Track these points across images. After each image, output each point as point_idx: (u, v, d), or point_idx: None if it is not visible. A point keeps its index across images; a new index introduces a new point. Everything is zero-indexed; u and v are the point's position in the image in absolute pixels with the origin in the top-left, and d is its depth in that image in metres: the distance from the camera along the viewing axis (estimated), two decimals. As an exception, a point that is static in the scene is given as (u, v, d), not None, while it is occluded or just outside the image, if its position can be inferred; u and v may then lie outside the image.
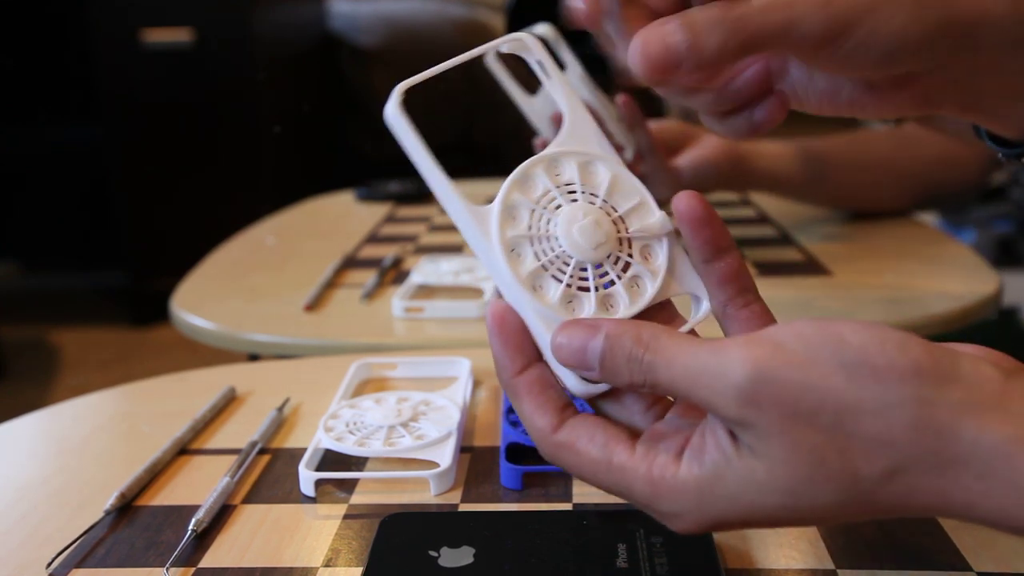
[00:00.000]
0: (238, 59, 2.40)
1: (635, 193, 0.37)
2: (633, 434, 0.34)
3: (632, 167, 0.85)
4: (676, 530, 0.33)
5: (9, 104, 2.74)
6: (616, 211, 0.37)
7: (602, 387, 0.35)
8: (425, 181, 0.36)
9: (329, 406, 0.55)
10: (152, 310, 2.34)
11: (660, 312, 0.37)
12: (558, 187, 0.37)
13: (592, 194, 0.37)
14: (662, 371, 0.32)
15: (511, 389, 0.35)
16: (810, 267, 0.87)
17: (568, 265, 0.36)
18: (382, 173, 1.33)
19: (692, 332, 0.37)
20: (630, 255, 0.36)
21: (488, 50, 0.37)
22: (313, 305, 0.81)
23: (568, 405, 0.35)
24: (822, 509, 0.30)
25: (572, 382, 0.35)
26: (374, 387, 0.62)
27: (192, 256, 1.03)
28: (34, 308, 2.89)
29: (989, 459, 0.28)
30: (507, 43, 0.38)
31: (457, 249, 0.99)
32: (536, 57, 0.38)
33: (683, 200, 0.36)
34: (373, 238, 1.07)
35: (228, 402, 0.60)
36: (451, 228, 1.09)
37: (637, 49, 0.37)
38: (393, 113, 0.36)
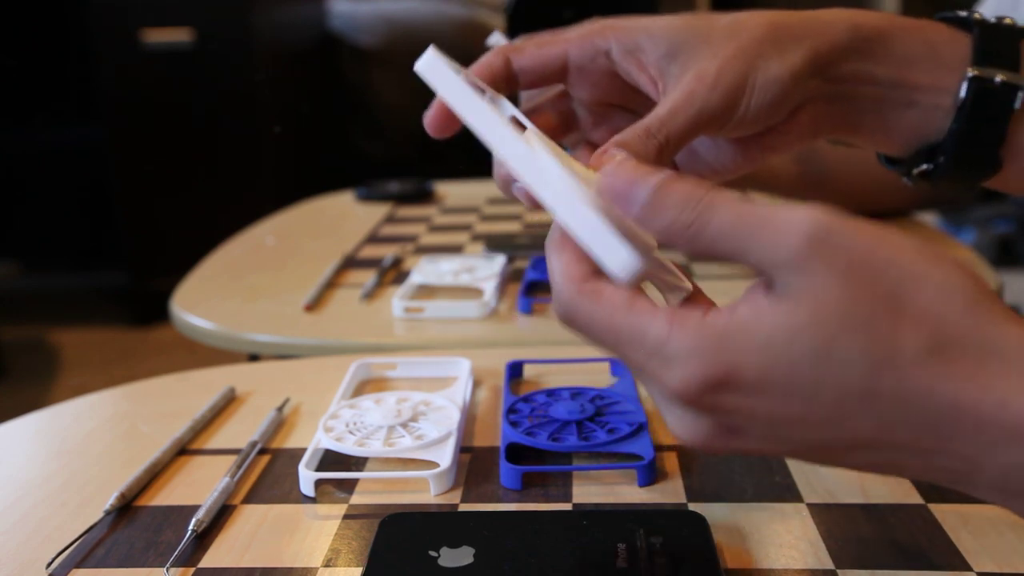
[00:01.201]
0: (238, 59, 2.40)
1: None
2: None
3: None
4: (674, 383, 0.30)
5: (9, 104, 2.74)
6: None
7: (645, 263, 0.32)
8: (467, 120, 0.37)
9: (329, 406, 0.55)
10: (152, 310, 2.34)
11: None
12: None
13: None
14: (721, 211, 0.31)
15: (555, 243, 0.35)
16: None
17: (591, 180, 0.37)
18: (382, 173, 1.33)
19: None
20: None
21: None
22: (313, 305, 0.81)
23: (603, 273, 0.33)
24: (851, 371, 0.29)
25: (621, 254, 0.32)
26: (374, 387, 0.62)
27: (192, 256, 1.03)
28: (34, 308, 2.89)
29: None
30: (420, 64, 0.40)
31: (457, 249, 0.99)
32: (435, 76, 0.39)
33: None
34: (373, 238, 1.07)
35: (228, 402, 0.60)
36: (451, 228, 1.10)
37: (604, 179, 0.37)
38: (431, 63, 0.38)
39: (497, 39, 0.84)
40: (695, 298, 0.36)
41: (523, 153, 0.35)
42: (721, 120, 0.43)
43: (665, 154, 0.42)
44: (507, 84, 0.45)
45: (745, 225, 0.31)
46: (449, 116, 0.42)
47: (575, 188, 0.34)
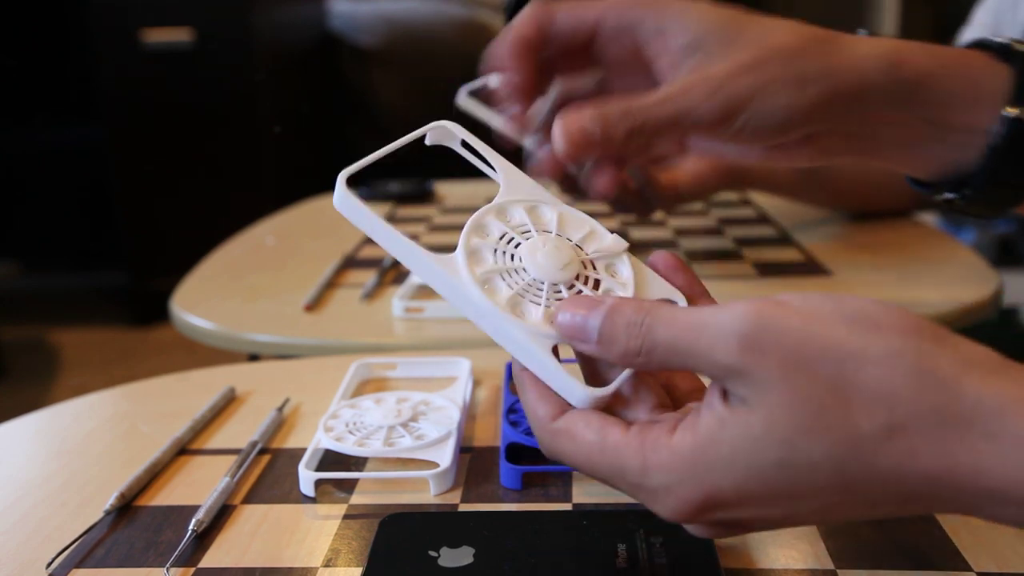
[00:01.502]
0: (238, 59, 2.40)
1: (584, 224, 0.39)
2: (631, 423, 0.34)
3: (627, 187, 0.85)
4: (667, 513, 0.32)
5: (9, 104, 2.74)
6: (571, 240, 0.39)
7: (607, 392, 0.35)
8: (386, 249, 0.37)
9: (329, 406, 0.55)
10: (152, 310, 2.34)
11: None
12: (513, 229, 0.39)
13: (545, 231, 0.39)
14: (661, 330, 0.32)
15: (519, 380, 0.36)
16: (810, 267, 0.87)
17: (542, 289, 0.37)
18: (382, 173, 1.33)
19: None
20: (598, 273, 0.38)
21: (415, 137, 0.40)
22: (313, 305, 0.81)
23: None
24: (820, 470, 0.29)
25: (577, 394, 0.35)
26: (374, 387, 0.62)
27: (192, 256, 1.03)
28: (34, 308, 2.89)
29: (996, 418, 0.27)
30: (431, 131, 0.41)
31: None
32: (459, 137, 0.40)
33: (658, 256, 0.39)
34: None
35: (228, 402, 0.60)
36: (451, 228, 1.09)
37: (559, 132, 0.43)
38: (342, 198, 0.38)
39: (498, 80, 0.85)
40: (681, 381, 0.37)
41: (457, 291, 0.36)
42: (711, 128, 0.43)
43: (633, 139, 0.43)
44: (539, 47, 0.46)
45: (683, 341, 0.31)
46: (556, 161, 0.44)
47: (516, 326, 0.35)
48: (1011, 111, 0.43)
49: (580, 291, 0.37)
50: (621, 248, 0.39)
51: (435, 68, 2.76)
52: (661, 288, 0.38)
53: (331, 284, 0.87)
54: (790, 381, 0.29)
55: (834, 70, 0.42)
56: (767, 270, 0.86)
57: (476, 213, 0.38)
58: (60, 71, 2.75)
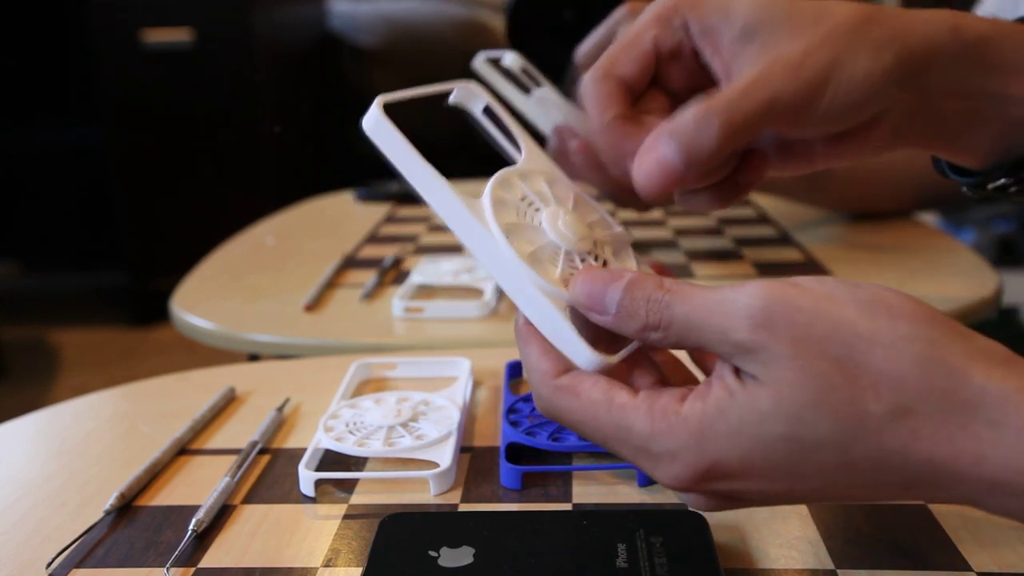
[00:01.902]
0: (238, 59, 2.40)
1: (595, 210, 0.40)
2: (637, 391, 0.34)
3: (626, 182, 0.85)
4: (667, 480, 0.32)
5: (9, 104, 2.74)
6: (584, 221, 0.39)
7: (616, 359, 0.35)
8: (412, 184, 0.36)
9: (329, 406, 0.55)
10: (152, 310, 2.34)
11: None
12: (535, 192, 0.39)
13: (561, 205, 0.39)
14: (678, 306, 0.32)
15: (522, 335, 0.36)
16: (810, 267, 0.87)
17: (558, 254, 0.37)
18: (382, 173, 1.33)
19: None
20: (606, 255, 0.39)
21: (443, 90, 0.39)
22: (313, 305, 0.81)
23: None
24: (825, 449, 0.29)
25: (586, 356, 0.35)
26: (374, 387, 0.62)
27: (192, 256, 1.03)
28: (34, 308, 2.89)
29: (1000, 407, 0.28)
30: (458, 89, 0.40)
31: (457, 249, 0.99)
32: (484, 103, 0.40)
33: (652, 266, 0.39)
34: (373, 238, 1.07)
35: (228, 402, 0.60)
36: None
37: (639, 178, 0.39)
38: (375, 122, 0.36)
39: (513, 59, 0.85)
40: (672, 373, 0.37)
41: (479, 235, 0.36)
42: (797, 113, 0.39)
43: (728, 141, 0.38)
44: (628, 102, 0.43)
45: (699, 316, 0.32)
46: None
47: (533, 279, 0.35)
48: None
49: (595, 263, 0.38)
50: (627, 239, 0.39)
51: (435, 68, 2.76)
52: None
53: (331, 284, 0.87)
54: (800, 359, 0.29)
55: (902, 33, 0.40)
56: (767, 270, 0.86)
57: (501, 171, 0.38)
58: (60, 71, 2.75)
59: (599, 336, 0.36)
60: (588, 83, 0.42)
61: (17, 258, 3.12)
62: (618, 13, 0.74)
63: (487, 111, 0.40)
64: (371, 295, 0.83)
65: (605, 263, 0.38)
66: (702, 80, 0.44)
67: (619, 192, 0.88)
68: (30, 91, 2.80)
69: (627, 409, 0.32)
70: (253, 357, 0.88)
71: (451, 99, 0.39)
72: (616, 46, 0.43)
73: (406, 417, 0.52)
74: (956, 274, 0.86)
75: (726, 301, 0.31)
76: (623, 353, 0.35)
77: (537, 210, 0.38)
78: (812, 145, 0.44)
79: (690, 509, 0.36)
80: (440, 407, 0.54)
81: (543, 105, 0.88)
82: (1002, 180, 0.46)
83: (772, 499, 0.33)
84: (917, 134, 0.44)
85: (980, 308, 0.76)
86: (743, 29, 0.40)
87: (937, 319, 0.30)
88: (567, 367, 0.35)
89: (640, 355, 0.36)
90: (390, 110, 0.37)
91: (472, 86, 0.40)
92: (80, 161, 2.80)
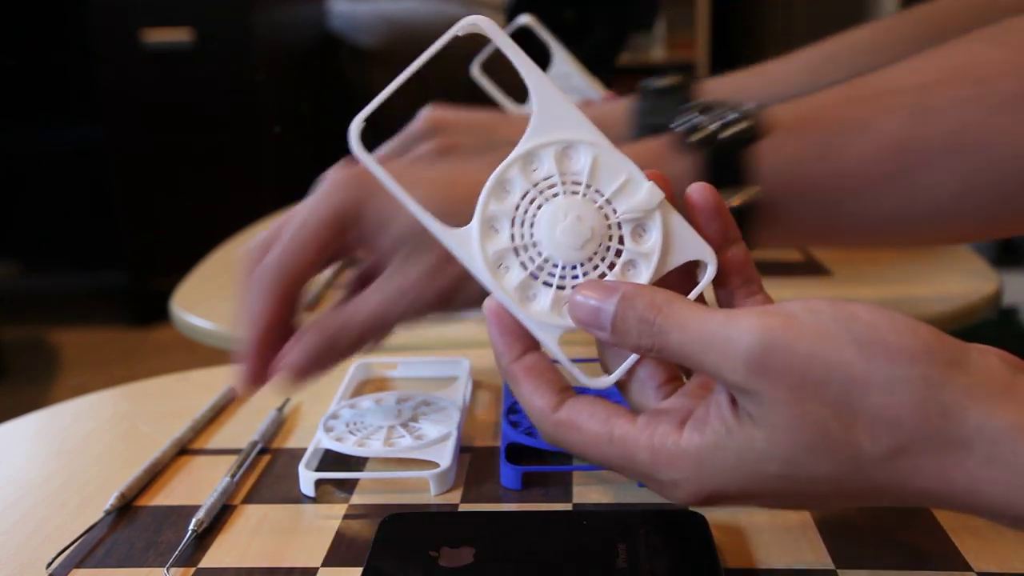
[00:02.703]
0: (238, 59, 2.40)
1: (620, 170, 0.36)
2: (636, 413, 0.34)
3: None
4: (676, 501, 0.33)
5: (9, 104, 2.74)
6: (602, 195, 0.36)
7: (612, 379, 0.36)
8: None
9: (329, 406, 0.55)
10: (152, 310, 2.34)
11: (678, 277, 0.37)
12: (536, 185, 0.36)
13: (575, 183, 0.36)
14: (673, 335, 0.32)
15: (509, 375, 0.36)
16: (810, 267, 0.87)
17: (557, 269, 0.36)
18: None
19: (700, 298, 0.37)
20: (621, 240, 0.36)
21: (447, 39, 0.35)
22: (313, 305, 0.81)
23: (567, 387, 0.35)
24: (821, 483, 0.30)
25: (581, 380, 0.35)
26: (374, 387, 0.62)
27: (192, 256, 1.02)
28: (34, 308, 2.89)
29: (995, 443, 0.28)
30: (462, 28, 0.36)
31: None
32: (493, 36, 0.36)
33: (696, 191, 0.37)
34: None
35: (228, 402, 0.60)
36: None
37: (281, 366, 0.46)
38: (355, 146, 0.36)
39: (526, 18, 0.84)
40: (671, 377, 0.37)
41: (470, 264, 0.36)
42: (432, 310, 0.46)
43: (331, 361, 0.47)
44: (289, 309, 0.49)
45: (693, 351, 0.32)
46: None
47: (522, 317, 0.35)
48: None
49: (597, 267, 0.36)
50: (655, 203, 0.36)
51: (435, 68, 2.76)
52: (691, 246, 0.36)
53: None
54: (796, 404, 0.29)
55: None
56: (767, 270, 0.85)
57: (501, 165, 0.36)
58: (60, 71, 2.75)
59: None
60: (254, 288, 0.46)
61: (17, 258, 3.12)
62: (413, 127, 0.74)
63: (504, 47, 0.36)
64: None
65: (619, 252, 0.36)
66: None
67: None
68: (30, 91, 2.80)
69: (628, 442, 0.33)
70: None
71: (461, 32, 0.36)
72: (285, 257, 0.46)
73: (406, 417, 0.52)
74: (956, 274, 0.86)
75: (721, 339, 0.31)
76: (617, 374, 0.36)
77: (540, 207, 0.36)
78: None
79: (690, 509, 0.37)
80: (440, 407, 0.54)
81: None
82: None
83: (776, 507, 0.35)
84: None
85: (980, 308, 0.76)
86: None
87: (935, 353, 0.29)
88: (562, 397, 0.35)
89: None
90: (411, 85, 0.37)
91: (479, 22, 0.35)
92: (80, 161, 2.79)
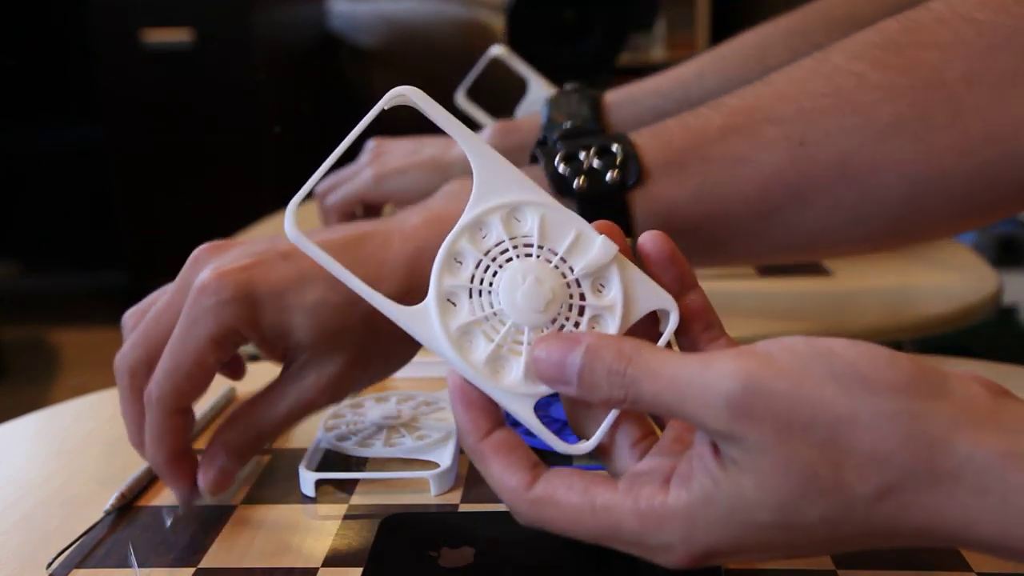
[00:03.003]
0: (238, 59, 2.40)
1: (570, 226, 0.36)
2: (614, 479, 0.33)
3: None
4: (669, 566, 0.32)
5: (9, 104, 2.73)
6: (556, 253, 0.36)
7: (592, 442, 0.35)
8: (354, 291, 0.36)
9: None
10: (152, 310, 2.33)
11: (642, 328, 0.36)
12: (487, 253, 0.35)
13: (527, 245, 0.36)
14: (646, 384, 0.31)
15: (477, 454, 0.35)
16: (810, 267, 0.87)
17: (523, 335, 0.35)
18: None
19: (668, 346, 0.36)
20: (583, 296, 0.36)
21: (375, 112, 0.36)
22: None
23: (538, 463, 0.34)
24: (814, 528, 0.30)
25: (558, 448, 0.35)
26: (374, 387, 0.62)
27: (192, 256, 1.02)
28: (34, 308, 2.89)
29: (984, 473, 0.28)
30: (390, 100, 0.36)
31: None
32: (422, 106, 0.36)
33: (649, 240, 0.36)
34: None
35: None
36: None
37: (204, 486, 0.44)
38: (293, 233, 0.36)
39: (499, 50, 0.86)
40: (644, 434, 0.36)
41: (431, 343, 0.35)
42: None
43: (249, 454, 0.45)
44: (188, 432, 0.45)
45: (669, 399, 0.31)
46: None
47: (493, 391, 0.35)
48: None
49: (563, 327, 0.35)
50: (610, 257, 0.35)
51: (435, 68, 2.76)
52: (652, 296, 0.36)
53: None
54: (782, 448, 0.29)
55: None
56: (767, 270, 0.86)
57: (448, 237, 0.35)
58: (60, 71, 2.75)
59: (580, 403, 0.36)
60: (149, 419, 0.43)
61: (17, 258, 3.12)
62: (363, 169, 0.80)
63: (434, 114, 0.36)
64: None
65: (582, 309, 0.35)
66: None
67: None
68: (30, 91, 2.79)
69: (611, 510, 0.32)
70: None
71: (387, 105, 0.36)
72: (169, 386, 0.42)
73: (407, 417, 0.52)
74: (956, 274, 0.86)
75: (697, 385, 0.30)
76: (596, 437, 0.35)
77: (495, 273, 0.35)
78: None
79: None
80: (441, 407, 0.54)
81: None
82: None
83: (772, 559, 0.34)
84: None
85: (980, 308, 0.76)
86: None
87: (916, 383, 0.29)
88: (535, 473, 0.33)
89: (621, 414, 0.35)
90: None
91: (405, 91, 0.36)
92: (80, 161, 2.79)
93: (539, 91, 0.88)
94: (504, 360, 0.35)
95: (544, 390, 0.35)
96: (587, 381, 0.32)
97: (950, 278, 0.84)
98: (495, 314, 0.35)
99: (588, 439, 0.36)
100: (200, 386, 0.43)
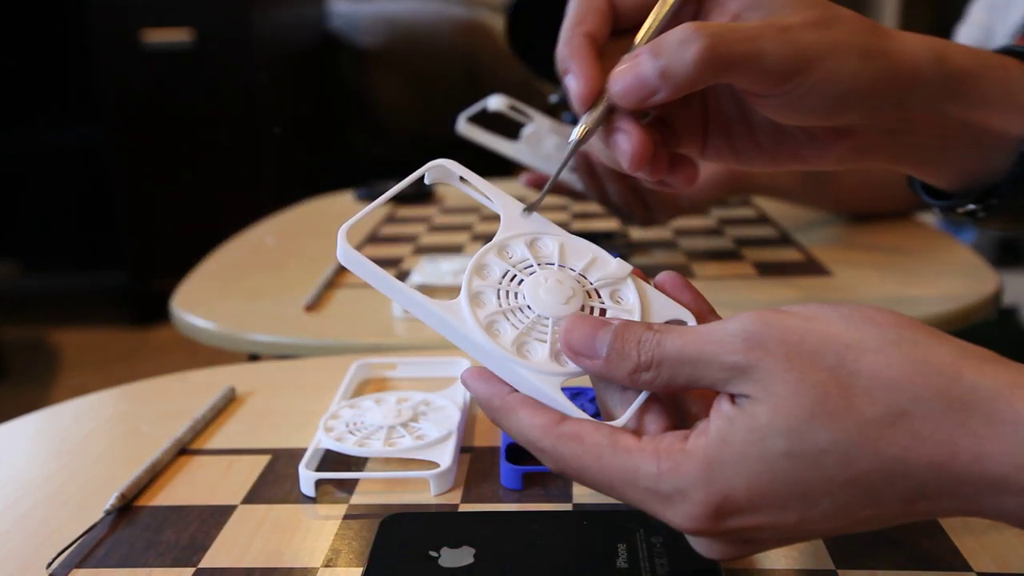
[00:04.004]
0: (238, 59, 2.40)
1: (586, 252, 0.39)
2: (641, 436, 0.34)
3: (633, 195, 0.86)
4: (680, 520, 0.32)
5: (9, 104, 2.74)
6: (575, 270, 0.38)
7: (624, 419, 0.35)
8: (391, 298, 0.38)
9: (329, 406, 0.55)
10: (152, 310, 2.34)
11: None
12: (514, 266, 0.38)
13: (548, 263, 0.39)
14: (670, 342, 0.33)
15: (502, 410, 0.35)
16: (810, 267, 0.87)
17: (547, 326, 0.37)
18: (382, 173, 1.33)
19: None
20: (603, 303, 0.38)
21: (414, 179, 0.40)
22: (313, 305, 0.81)
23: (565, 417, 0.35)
24: (828, 458, 0.29)
25: (586, 417, 0.35)
26: (374, 387, 0.62)
27: (192, 256, 1.03)
28: (34, 308, 2.89)
29: (994, 402, 0.28)
30: (429, 171, 0.40)
31: (457, 249, 0.99)
32: (458, 174, 0.40)
33: (664, 275, 0.39)
34: (374, 238, 1.07)
35: (228, 402, 0.60)
36: (451, 228, 1.10)
37: (615, 86, 0.40)
38: (345, 254, 0.38)
39: (497, 102, 0.87)
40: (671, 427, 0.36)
41: (463, 337, 0.36)
42: (776, 80, 0.39)
43: (705, 69, 0.38)
44: (608, 22, 0.43)
45: (691, 348, 0.32)
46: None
47: (524, 369, 0.35)
48: None
49: None
50: (625, 273, 0.38)
51: (435, 68, 2.77)
52: (668, 308, 0.38)
53: (331, 284, 0.87)
54: (793, 372, 0.30)
55: (893, 52, 0.41)
56: (767, 270, 0.86)
57: (477, 254, 0.38)
58: (60, 71, 2.75)
59: (606, 396, 0.36)
60: (561, 49, 0.42)
61: (17, 258, 3.12)
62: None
63: (464, 180, 0.40)
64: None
65: (603, 312, 0.37)
66: None
67: (622, 207, 0.88)
68: (30, 91, 2.80)
69: (632, 452, 0.32)
70: (253, 357, 0.88)
71: (426, 180, 0.40)
72: (578, 8, 0.42)
73: (406, 417, 0.53)
74: (956, 274, 0.86)
75: (717, 330, 0.32)
76: (628, 413, 0.35)
77: (521, 282, 0.38)
78: (780, 138, 0.45)
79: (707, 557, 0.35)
80: (440, 407, 0.54)
81: (534, 140, 0.90)
82: (970, 206, 0.47)
83: (786, 533, 0.32)
84: (887, 154, 0.45)
85: (980, 308, 0.76)
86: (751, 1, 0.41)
87: (919, 325, 0.31)
88: (564, 417, 0.34)
89: (649, 403, 0.35)
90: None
91: (444, 164, 0.40)
92: (80, 161, 2.79)
93: (543, 123, 0.90)
94: (529, 344, 0.36)
95: (570, 370, 0.36)
96: (616, 350, 0.34)
97: (950, 278, 0.85)
98: (520, 309, 0.37)
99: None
100: (594, 13, 0.42)
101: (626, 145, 0.41)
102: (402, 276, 0.88)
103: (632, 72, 0.39)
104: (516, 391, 0.35)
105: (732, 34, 0.38)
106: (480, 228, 1.09)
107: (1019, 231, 0.49)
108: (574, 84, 0.40)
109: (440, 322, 0.37)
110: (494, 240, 0.39)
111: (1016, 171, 0.44)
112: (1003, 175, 0.45)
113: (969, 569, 0.39)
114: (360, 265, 0.38)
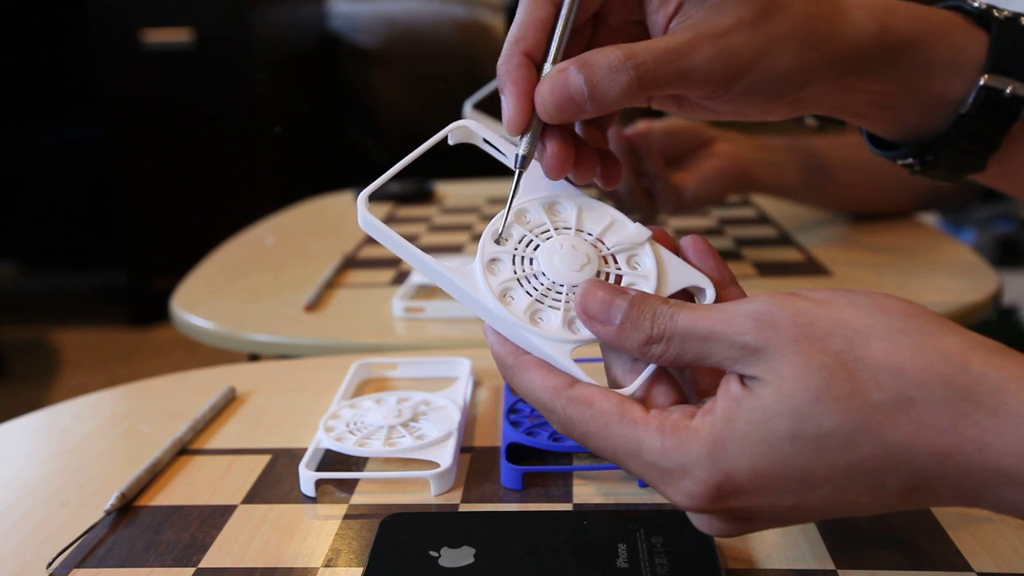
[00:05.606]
0: (238, 59, 2.40)
1: (605, 215, 0.39)
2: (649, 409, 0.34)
3: (638, 187, 0.87)
4: (681, 497, 0.32)
5: (9, 104, 2.74)
6: (592, 234, 0.38)
7: (633, 387, 0.35)
8: (410, 263, 0.38)
9: (329, 406, 0.55)
10: (152, 310, 2.34)
11: None
12: (531, 231, 0.39)
13: (565, 228, 0.39)
14: (682, 317, 0.33)
15: (516, 367, 0.36)
16: (810, 267, 0.87)
17: (561, 293, 0.37)
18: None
19: None
20: (619, 268, 0.38)
21: (438, 140, 0.40)
22: (313, 305, 0.81)
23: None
24: (830, 440, 0.29)
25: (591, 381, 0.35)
26: (374, 387, 0.62)
27: (192, 256, 1.03)
28: (34, 308, 2.89)
29: (1000, 393, 0.28)
30: (452, 131, 0.40)
31: (457, 249, 0.99)
32: (482, 136, 0.40)
33: (687, 239, 0.38)
34: (374, 238, 1.07)
35: (228, 402, 0.60)
36: (451, 228, 1.10)
37: (543, 95, 0.39)
38: (364, 219, 0.38)
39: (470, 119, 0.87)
40: (679, 401, 0.36)
41: (478, 303, 0.37)
42: (710, 88, 0.40)
43: (633, 95, 0.38)
44: (549, 36, 0.40)
45: (702, 325, 0.32)
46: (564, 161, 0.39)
47: (537, 336, 0.36)
48: (985, 80, 0.44)
49: None
50: (643, 238, 0.38)
51: (435, 68, 2.77)
52: (687, 275, 0.37)
53: (331, 284, 0.87)
54: (800, 355, 0.30)
55: (834, 35, 0.42)
56: (767, 270, 0.86)
57: (495, 218, 0.39)
58: (60, 71, 2.75)
59: (614, 368, 0.37)
60: (499, 67, 0.41)
61: (17, 258, 3.12)
62: None
63: (487, 142, 0.40)
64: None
65: (619, 279, 0.37)
66: (638, 17, 0.42)
67: (627, 199, 0.88)
68: (30, 91, 2.79)
69: (638, 424, 0.33)
70: (253, 357, 0.88)
71: (450, 141, 0.40)
72: (520, 24, 0.41)
73: (406, 417, 0.52)
74: (956, 274, 0.86)
75: (729, 309, 0.32)
76: (637, 383, 0.35)
77: (537, 247, 0.38)
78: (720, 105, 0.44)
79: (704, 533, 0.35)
80: (440, 407, 0.54)
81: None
82: (909, 159, 0.48)
83: (784, 514, 0.32)
84: (828, 108, 0.46)
85: (980, 308, 0.76)
86: None
87: (929, 313, 0.31)
88: (575, 381, 0.35)
89: (660, 376, 0.36)
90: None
91: (468, 124, 0.40)
92: (80, 161, 2.79)
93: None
94: (543, 311, 0.36)
95: (583, 336, 0.36)
96: (631, 320, 0.34)
97: (950, 278, 0.85)
98: (535, 276, 0.37)
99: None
100: (534, 31, 0.40)
101: (547, 154, 0.40)
102: (403, 276, 0.88)
103: (561, 92, 0.38)
104: (528, 354, 0.36)
105: (661, 57, 0.38)
106: (480, 228, 1.09)
107: (954, 181, 0.50)
108: (506, 108, 0.39)
109: (454, 288, 0.37)
110: (510, 205, 0.39)
111: (951, 132, 0.46)
112: (939, 134, 0.46)
113: (969, 569, 0.39)
114: (378, 230, 0.38)
